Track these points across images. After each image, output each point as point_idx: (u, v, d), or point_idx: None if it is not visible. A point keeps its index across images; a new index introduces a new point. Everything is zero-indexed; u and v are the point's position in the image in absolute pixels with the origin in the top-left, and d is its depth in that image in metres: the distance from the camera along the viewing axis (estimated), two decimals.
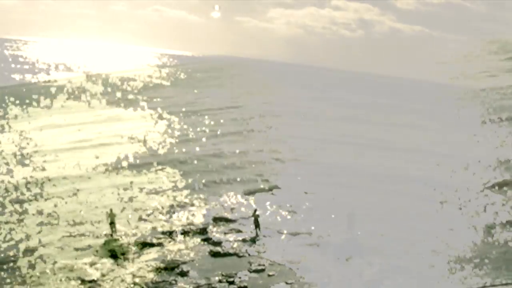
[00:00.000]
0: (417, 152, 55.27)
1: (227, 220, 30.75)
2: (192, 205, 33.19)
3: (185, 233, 28.64)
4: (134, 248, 26.39)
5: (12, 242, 26.38)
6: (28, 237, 27.15)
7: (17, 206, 31.45)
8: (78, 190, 34.99)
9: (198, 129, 59.60)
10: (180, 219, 30.71)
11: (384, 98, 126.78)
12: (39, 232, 27.79)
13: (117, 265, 24.50)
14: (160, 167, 41.75)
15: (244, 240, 28.03)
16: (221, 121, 66.41)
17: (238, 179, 39.48)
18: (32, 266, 23.98)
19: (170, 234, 28.39)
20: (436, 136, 66.66)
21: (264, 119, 69.30)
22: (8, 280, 22.64)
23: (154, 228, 29.03)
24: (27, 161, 41.59)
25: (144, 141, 51.36)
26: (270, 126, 63.76)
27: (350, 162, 47.45)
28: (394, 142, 61.58)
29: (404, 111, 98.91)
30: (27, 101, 73.34)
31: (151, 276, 23.59)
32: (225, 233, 28.87)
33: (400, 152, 55.08)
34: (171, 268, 24.42)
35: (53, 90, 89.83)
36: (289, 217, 31.91)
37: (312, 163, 45.75)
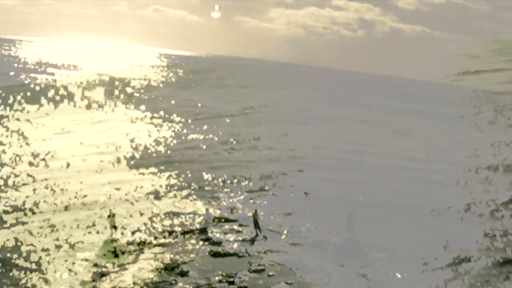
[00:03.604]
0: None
1: (227, 220, 30.74)
2: (192, 205, 33.18)
3: (185, 233, 28.62)
4: (134, 248, 26.36)
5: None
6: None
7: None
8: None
9: (197, 131, 58.93)
10: (180, 219, 30.67)
11: (388, 99, 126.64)
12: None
13: (117, 265, 24.47)
14: (158, 168, 41.68)
15: (244, 240, 28.02)
16: (221, 123, 66.16)
17: (238, 181, 39.26)
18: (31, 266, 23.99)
19: (170, 234, 28.37)
20: (461, 146, 61.90)
21: (265, 122, 68.81)
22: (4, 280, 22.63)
23: (154, 228, 29.01)
24: None
25: (143, 142, 51.31)
26: (272, 130, 62.50)
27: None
28: (411, 152, 56.34)
29: (409, 113, 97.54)
30: (26, 101, 73.30)
31: (151, 276, 23.56)
32: (225, 233, 28.87)
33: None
34: (171, 268, 24.39)
35: (52, 90, 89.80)
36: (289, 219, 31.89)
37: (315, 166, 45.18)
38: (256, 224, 28.79)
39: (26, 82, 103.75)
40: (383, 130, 72.33)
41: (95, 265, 24.27)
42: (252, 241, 28.04)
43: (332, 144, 57.12)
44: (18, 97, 76.36)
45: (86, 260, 24.74)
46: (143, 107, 76.33)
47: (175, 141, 52.66)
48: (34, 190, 34.72)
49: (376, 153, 53.72)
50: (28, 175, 37.82)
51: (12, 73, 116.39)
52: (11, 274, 23.11)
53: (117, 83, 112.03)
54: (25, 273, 23.19)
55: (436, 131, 75.77)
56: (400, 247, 27.90)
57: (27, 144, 47.97)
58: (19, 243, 26.26)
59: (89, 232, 28.10)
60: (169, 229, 28.95)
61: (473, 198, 38.35)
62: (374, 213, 32.86)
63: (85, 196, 33.84)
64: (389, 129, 73.98)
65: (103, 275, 23.35)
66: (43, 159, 42.64)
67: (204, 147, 50.87)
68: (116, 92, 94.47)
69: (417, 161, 51.31)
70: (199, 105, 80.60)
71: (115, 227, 27.83)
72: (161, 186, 36.79)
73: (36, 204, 31.94)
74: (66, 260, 24.55)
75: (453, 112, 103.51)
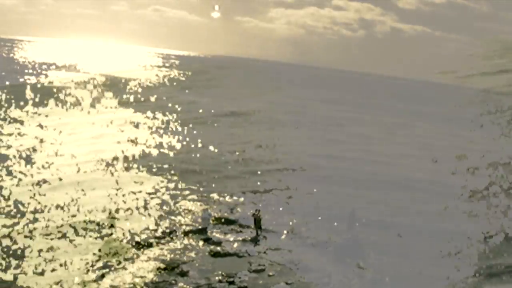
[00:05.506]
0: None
1: (227, 220, 30.75)
2: (192, 205, 33.19)
3: (185, 233, 28.63)
4: (134, 248, 26.36)
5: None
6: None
7: None
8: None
9: (197, 133, 58.53)
10: (180, 219, 30.67)
11: (390, 101, 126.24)
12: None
13: (117, 265, 24.47)
14: (157, 169, 41.63)
15: (244, 240, 28.03)
16: (221, 124, 65.82)
17: (238, 182, 39.15)
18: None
19: (170, 234, 28.39)
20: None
21: (265, 124, 68.43)
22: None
23: (154, 228, 29.01)
24: None
25: (142, 144, 51.27)
26: (272, 132, 61.60)
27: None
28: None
29: (418, 116, 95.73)
30: (24, 102, 73.01)
31: (151, 276, 23.56)
32: (225, 233, 28.88)
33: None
34: (171, 268, 24.41)
35: (51, 91, 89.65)
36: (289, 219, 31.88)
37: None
38: (257, 224, 28.81)
39: (25, 82, 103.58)
40: (389, 132, 71.24)
41: (95, 265, 24.27)
42: (252, 241, 28.06)
43: (334, 150, 55.69)
44: (16, 98, 76.08)
45: (86, 260, 24.74)
46: (142, 108, 76.23)
47: (174, 143, 52.58)
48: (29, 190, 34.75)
49: (383, 162, 50.64)
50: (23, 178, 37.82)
51: (10, 74, 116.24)
52: (10, 273, 23.11)
53: (116, 83, 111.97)
54: (24, 274, 23.19)
55: (447, 135, 74.30)
56: (401, 249, 27.93)
57: (21, 148, 47.52)
58: (18, 243, 26.28)
59: (89, 233, 28.09)
60: (169, 229, 28.97)
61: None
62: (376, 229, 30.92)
63: (84, 196, 33.88)
64: (396, 132, 72.48)
65: (103, 275, 23.36)
66: (45, 163, 42.59)
67: (203, 149, 50.80)
68: (116, 92, 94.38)
69: (432, 173, 46.57)
70: (199, 106, 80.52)
71: (115, 227, 27.84)
72: (160, 187, 36.81)
73: (35, 207, 31.98)
74: (66, 260, 24.56)
75: (457, 114, 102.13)
